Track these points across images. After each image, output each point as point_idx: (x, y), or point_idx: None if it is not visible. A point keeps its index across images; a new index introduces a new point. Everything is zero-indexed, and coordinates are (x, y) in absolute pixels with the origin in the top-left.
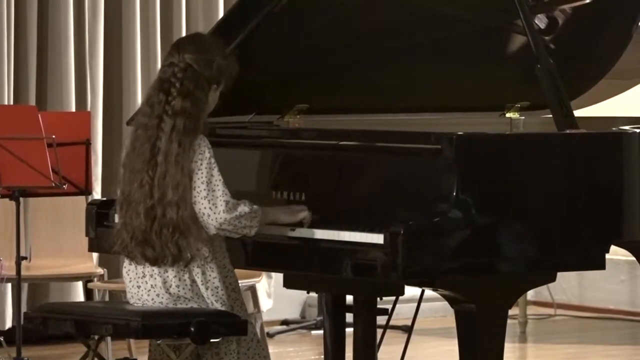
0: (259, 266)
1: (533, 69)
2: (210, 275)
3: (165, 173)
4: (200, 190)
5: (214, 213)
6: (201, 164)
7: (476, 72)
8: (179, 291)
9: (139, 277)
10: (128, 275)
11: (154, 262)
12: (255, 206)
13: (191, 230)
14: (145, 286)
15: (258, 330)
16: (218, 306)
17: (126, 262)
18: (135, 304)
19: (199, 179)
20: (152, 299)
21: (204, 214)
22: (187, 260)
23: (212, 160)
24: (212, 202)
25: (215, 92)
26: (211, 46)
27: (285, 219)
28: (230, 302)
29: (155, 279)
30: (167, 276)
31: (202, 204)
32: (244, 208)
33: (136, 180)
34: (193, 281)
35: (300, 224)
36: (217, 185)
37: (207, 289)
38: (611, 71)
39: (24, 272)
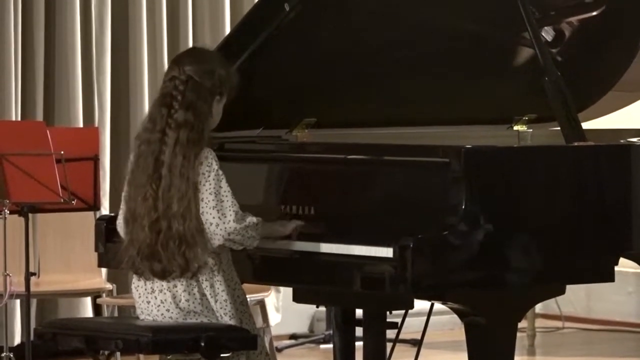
0: (269, 280)
1: (540, 82)
2: (218, 289)
3: (170, 185)
4: (209, 201)
5: (223, 223)
6: (209, 176)
7: (484, 85)
8: (188, 305)
9: (148, 293)
10: (137, 291)
11: (162, 275)
12: (256, 218)
13: (197, 241)
14: (154, 301)
15: (267, 344)
16: (227, 319)
17: (135, 279)
18: (146, 319)
19: (206, 190)
20: (162, 314)
21: (211, 223)
22: (194, 271)
23: (220, 172)
24: (221, 212)
25: (218, 103)
26: (210, 57)
27: (279, 231)
28: (239, 315)
29: (164, 294)
30: (177, 291)
31: (211, 214)
32: (251, 219)
33: (140, 194)
34: (203, 295)
35: (289, 236)
36: (226, 196)
37: (216, 302)
38: (618, 83)
39: (33, 288)
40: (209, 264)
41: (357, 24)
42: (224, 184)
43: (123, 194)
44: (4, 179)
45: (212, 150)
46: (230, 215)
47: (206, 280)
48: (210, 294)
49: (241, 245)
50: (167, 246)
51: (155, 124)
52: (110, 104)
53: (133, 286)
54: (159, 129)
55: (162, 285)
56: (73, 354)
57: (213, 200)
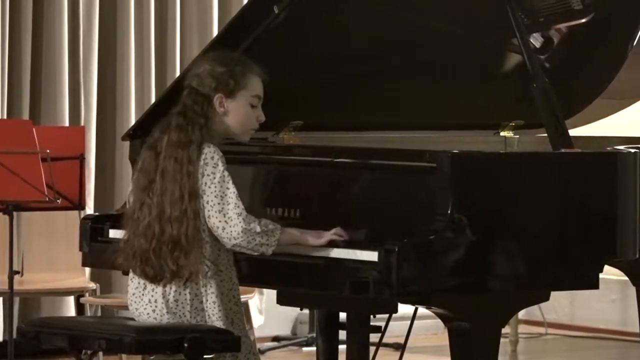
0: (252, 283)
1: (528, 88)
2: (209, 290)
3: (163, 190)
4: (214, 204)
5: (229, 226)
6: (214, 178)
7: (471, 91)
8: (177, 306)
9: (140, 288)
10: (132, 283)
11: (153, 279)
12: (272, 225)
13: (193, 246)
14: (144, 298)
15: None
16: (215, 320)
17: (131, 272)
18: (134, 314)
19: (212, 192)
20: (148, 314)
21: (218, 227)
22: (186, 277)
23: (226, 174)
24: (227, 216)
25: (228, 100)
26: (205, 61)
27: (311, 241)
28: (231, 316)
29: (155, 292)
30: (166, 290)
31: (217, 217)
32: (255, 226)
33: (139, 200)
34: (195, 296)
35: (329, 245)
36: (231, 198)
37: (206, 304)
38: (606, 91)
39: (16, 287)
40: (202, 271)
41: (345, 28)
42: (230, 185)
43: (129, 190)
44: None
45: (218, 149)
46: (234, 219)
47: (197, 284)
48: (202, 297)
49: (253, 252)
50: (160, 251)
51: (163, 132)
52: (97, 103)
53: (129, 277)
54: (160, 136)
55: (154, 285)
56: (56, 353)
57: (218, 203)
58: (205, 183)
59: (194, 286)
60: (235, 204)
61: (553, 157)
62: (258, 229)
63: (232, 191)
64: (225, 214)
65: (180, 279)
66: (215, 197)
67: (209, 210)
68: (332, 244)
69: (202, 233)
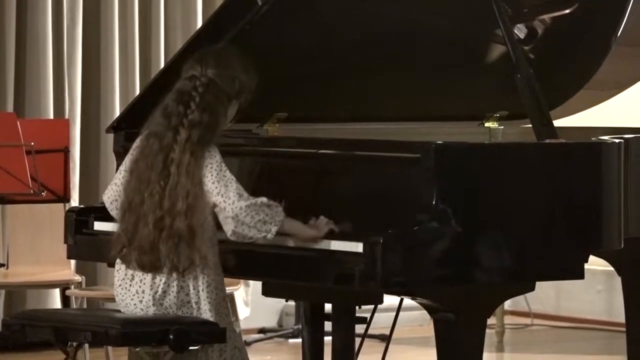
0: (237, 274)
1: (512, 79)
2: (199, 284)
3: (176, 183)
4: (213, 189)
5: (229, 205)
6: (212, 167)
7: (455, 82)
8: (164, 297)
9: (128, 279)
10: (118, 274)
11: (150, 269)
12: (277, 206)
13: (196, 238)
14: (131, 289)
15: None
16: (203, 313)
17: (118, 262)
18: (120, 305)
19: (209, 180)
20: (135, 305)
21: (222, 208)
22: (184, 268)
23: (223, 164)
24: (226, 195)
25: (234, 106)
26: (234, 61)
27: (312, 234)
28: (216, 310)
29: (143, 284)
30: (155, 282)
31: (218, 200)
32: (261, 198)
33: (146, 190)
34: (181, 288)
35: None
36: (230, 181)
37: (195, 296)
38: (590, 82)
39: (1, 279)
40: (195, 262)
41: (329, 19)
42: (227, 173)
43: (120, 176)
44: None
45: (215, 146)
46: (234, 196)
47: (187, 276)
48: (190, 289)
49: (257, 232)
50: (167, 243)
51: (170, 120)
52: (81, 96)
53: (115, 269)
54: (173, 126)
55: (143, 275)
56: (42, 346)
57: (217, 187)
58: (205, 174)
59: (180, 279)
60: (235, 185)
61: (538, 148)
62: (265, 199)
63: (229, 176)
64: (224, 193)
65: (177, 270)
66: (212, 183)
67: (210, 197)
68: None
69: (201, 227)
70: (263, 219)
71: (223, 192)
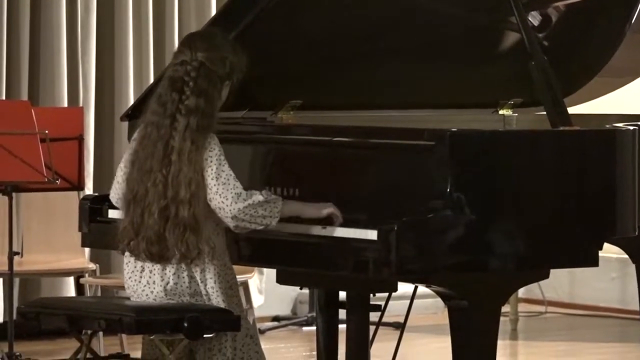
0: (252, 262)
1: (526, 66)
2: (208, 274)
3: (178, 171)
4: (212, 187)
5: (227, 206)
6: (211, 162)
7: (469, 69)
8: (176, 288)
9: (138, 271)
10: (127, 267)
11: (159, 260)
12: (273, 196)
13: (201, 227)
14: (142, 281)
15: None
16: (214, 302)
17: (127, 255)
18: (132, 297)
19: (209, 176)
20: (147, 295)
21: (220, 208)
22: (193, 257)
23: (222, 157)
24: (224, 196)
25: (227, 87)
26: (223, 43)
27: (311, 212)
28: (227, 300)
29: (154, 274)
30: (165, 273)
31: (216, 199)
32: (258, 197)
33: (149, 180)
34: (191, 278)
35: (325, 221)
36: (228, 179)
37: (205, 286)
38: (604, 69)
39: (16, 268)
40: (205, 251)
41: (343, 6)
42: (226, 167)
43: (121, 172)
44: None
45: (215, 135)
46: (232, 197)
47: (197, 265)
48: (200, 279)
49: (257, 225)
50: (174, 232)
51: (166, 108)
52: (95, 84)
53: (124, 262)
54: (169, 114)
55: (153, 266)
56: (56, 334)
57: (215, 185)
58: (204, 168)
59: (190, 268)
60: (233, 184)
61: (552, 135)
62: (261, 197)
63: (228, 173)
64: (222, 193)
65: (188, 259)
66: (211, 179)
67: (209, 194)
68: (329, 220)
69: (205, 215)
70: (262, 214)
71: (221, 192)
